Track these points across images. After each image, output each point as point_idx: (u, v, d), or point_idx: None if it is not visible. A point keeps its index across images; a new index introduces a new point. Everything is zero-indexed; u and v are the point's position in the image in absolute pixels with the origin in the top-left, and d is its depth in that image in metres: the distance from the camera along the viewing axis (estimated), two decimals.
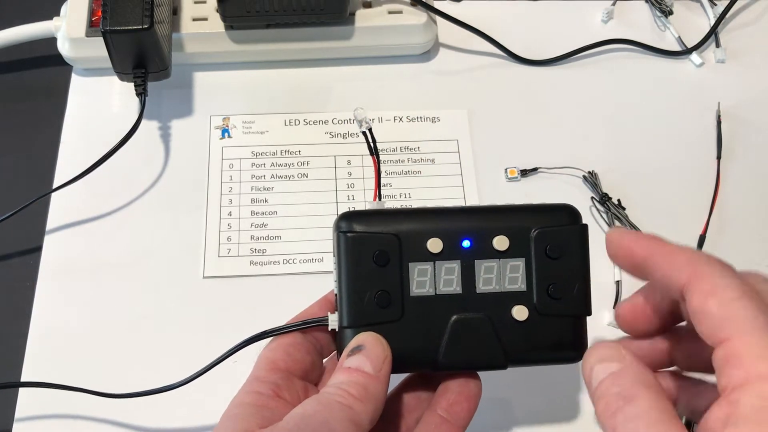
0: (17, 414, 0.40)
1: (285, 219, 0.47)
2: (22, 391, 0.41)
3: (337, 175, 0.49)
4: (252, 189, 0.48)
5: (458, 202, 0.48)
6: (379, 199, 0.34)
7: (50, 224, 0.46)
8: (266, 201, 0.48)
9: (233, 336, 0.36)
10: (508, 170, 0.49)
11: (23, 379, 0.41)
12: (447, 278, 0.30)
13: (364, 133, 0.34)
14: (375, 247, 0.30)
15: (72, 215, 0.46)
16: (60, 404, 0.40)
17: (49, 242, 0.46)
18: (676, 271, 0.25)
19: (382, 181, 0.49)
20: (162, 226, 0.46)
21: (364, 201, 0.48)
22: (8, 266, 0.46)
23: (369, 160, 0.49)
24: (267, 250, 0.46)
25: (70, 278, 0.44)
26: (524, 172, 0.49)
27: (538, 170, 0.49)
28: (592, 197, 0.48)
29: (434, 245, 0.30)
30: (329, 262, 0.45)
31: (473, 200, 0.48)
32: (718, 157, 0.50)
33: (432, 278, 0.30)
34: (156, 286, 0.44)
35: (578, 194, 0.48)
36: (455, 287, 0.30)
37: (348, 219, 0.30)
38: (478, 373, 0.31)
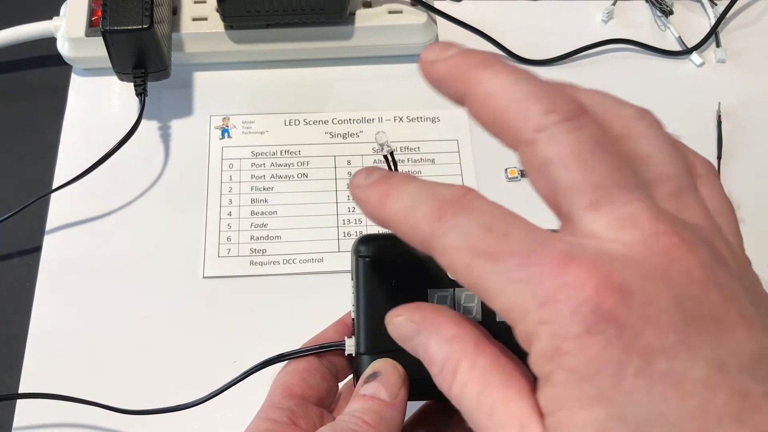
0: (15, 423, 0.40)
1: (285, 219, 0.47)
2: (21, 401, 0.41)
3: (337, 175, 0.49)
4: (252, 189, 0.48)
5: None
6: None
7: (50, 224, 0.46)
8: (266, 201, 0.48)
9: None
10: (508, 170, 0.49)
11: (23, 382, 0.41)
12: (467, 306, 0.29)
13: (385, 156, 0.34)
14: (394, 273, 0.29)
15: (72, 215, 0.46)
16: (60, 414, 0.40)
17: (48, 242, 0.46)
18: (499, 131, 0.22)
19: None
20: (162, 226, 0.46)
21: None
22: (8, 266, 0.46)
23: (369, 160, 0.49)
24: (267, 250, 0.46)
25: (70, 278, 0.44)
26: (524, 172, 0.49)
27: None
28: None
29: None
30: (329, 262, 0.45)
31: None
32: (719, 157, 0.50)
33: (452, 306, 0.29)
34: (156, 286, 0.44)
35: None
36: (475, 315, 0.29)
37: (367, 243, 0.30)
38: None
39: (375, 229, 0.41)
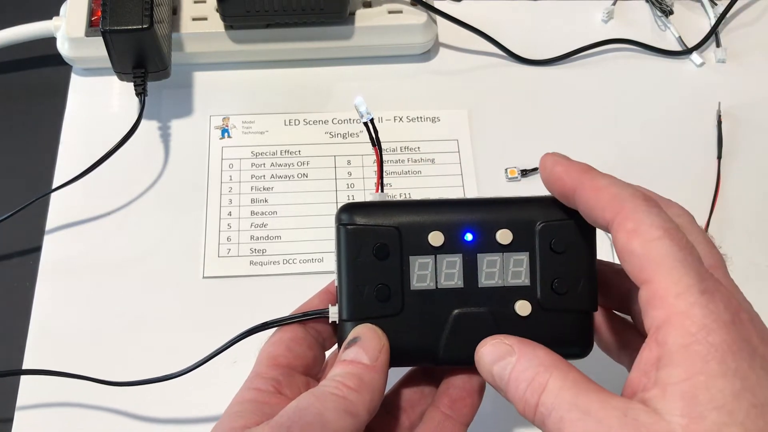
0: (18, 403, 0.40)
1: (285, 219, 0.47)
2: (24, 382, 0.41)
3: (337, 175, 0.49)
4: (252, 189, 0.48)
5: None
6: (382, 190, 0.34)
7: (50, 224, 0.46)
8: (266, 201, 0.48)
9: (233, 336, 0.36)
10: (508, 170, 0.49)
11: (23, 381, 0.41)
12: (448, 272, 0.30)
13: (365, 124, 0.34)
14: (375, 240, 0.30)
15: (72, 215, 0.46)
16: (61, 394, 0.40)
17: (48, 242, 0.46)
18: (601, 209, 0.27)
19: (382, 181, 0.48)
20: (162, 226, 0.46)
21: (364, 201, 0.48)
22: (8, 266, 0.46)
23: (369, 160, 0.49)
24: (267, 250, 0.46)
25: (70, 278, 0.44)
26: (524, 172, 0.49)
27: (539, 170, 0.49)
28: None
29: (435, 238, 0.30)
30: (329, 262, 0.45)
31: None
32: (719, 157, 0.50)
33: (433, 272, 0.30)
34: (156, 286, 0.44)
35: None
36: (457, 281, 0.30)
37: (349, 211, 0.30)
38: None
39: None
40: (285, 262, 0.46)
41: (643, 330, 0.25)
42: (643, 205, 0.26)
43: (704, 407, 0.22)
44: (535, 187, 0.49)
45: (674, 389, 0.23)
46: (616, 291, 0.31)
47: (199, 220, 0.47)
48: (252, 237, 0.46)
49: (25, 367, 0.42)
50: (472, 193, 0.48)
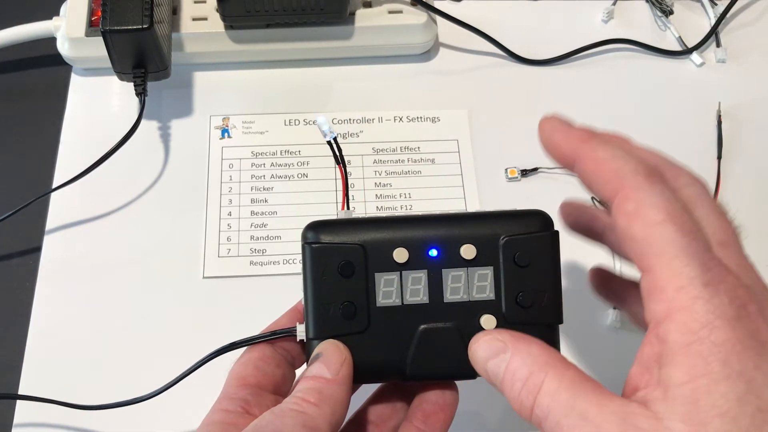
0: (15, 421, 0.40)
1: (285, 219, 0.47)
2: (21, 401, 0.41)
3: (336, 175, 0.49)
4: (252, 189, 0.48)
5: (458, 202, 0.48)
6: (347, 208, 0.34)
7: (50, 224, 0.46)
8: (266, 201, 0.48)
9: (233, 336, 0.36)
10: (508, 170, 0.49)
11: (23, 382, 0.41)
12: (414, 288, 0.30)
13: (329, 143, 0.34)
14: (340, 258, 0.30)
15: (72, 215, 0.46)
16: (52, 415, 0.40)
17: (48, 242, 0.46)
18: (602, 184, 0.25)
19: (382, 181, 0.49)
20: (162, 226, 0.46)
21: (364, 201, 0.48)
22: (8, 266, 0.46)
23: (369, 160, 0.49)
24: (267, 250, 0.46)
25: (70, 278, 0.44)
26: (524, 172, 0.49)
27: (539, 170, 0.49)
28: (593, 197, 0.48)
29: (400, 255, 0.30)
30: None
31: (473, 200, 0.48)
32: (719, 157, 0.50)
33: (398, 288, 0.30)
34: (156, 286, 0.44)
35: (578, 194, 0.48)
36: (422, 297, 0.30)
37: (314, 229, 0.31)
38: (456, 382, 0.31)
39: None
40: (285, 262, 0.46)
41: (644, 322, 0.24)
42: (645, 183, 0.24)
43: (706, 414, 0.21)
44: (535, 188, 0.49)
45: (675, 392, 0.22)
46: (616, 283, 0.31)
47: (199, 220, 0.47)
48: (252, 237, 0.46)
49: (24, 373, 0.41)
50: (472, 194, 0.48)
